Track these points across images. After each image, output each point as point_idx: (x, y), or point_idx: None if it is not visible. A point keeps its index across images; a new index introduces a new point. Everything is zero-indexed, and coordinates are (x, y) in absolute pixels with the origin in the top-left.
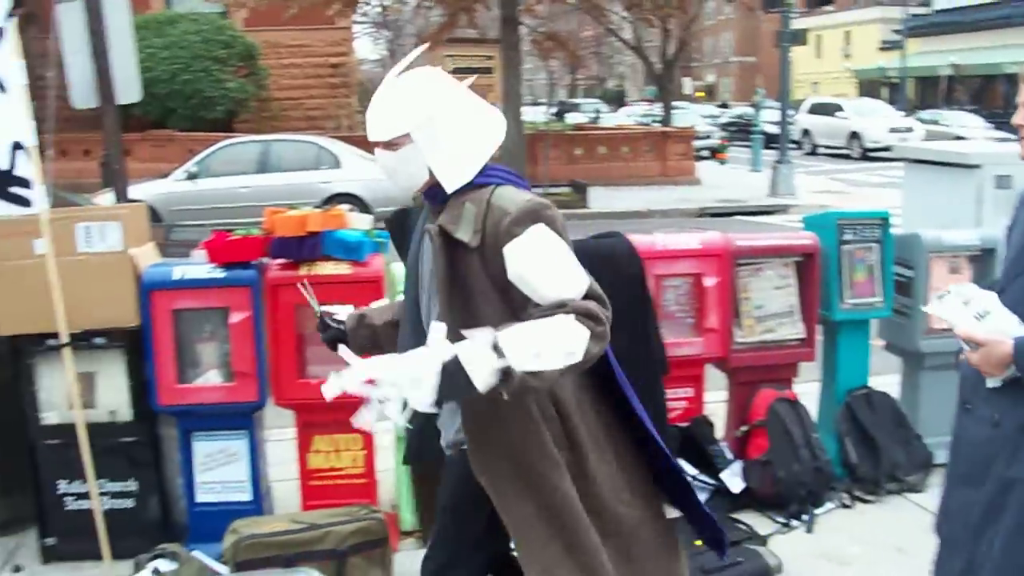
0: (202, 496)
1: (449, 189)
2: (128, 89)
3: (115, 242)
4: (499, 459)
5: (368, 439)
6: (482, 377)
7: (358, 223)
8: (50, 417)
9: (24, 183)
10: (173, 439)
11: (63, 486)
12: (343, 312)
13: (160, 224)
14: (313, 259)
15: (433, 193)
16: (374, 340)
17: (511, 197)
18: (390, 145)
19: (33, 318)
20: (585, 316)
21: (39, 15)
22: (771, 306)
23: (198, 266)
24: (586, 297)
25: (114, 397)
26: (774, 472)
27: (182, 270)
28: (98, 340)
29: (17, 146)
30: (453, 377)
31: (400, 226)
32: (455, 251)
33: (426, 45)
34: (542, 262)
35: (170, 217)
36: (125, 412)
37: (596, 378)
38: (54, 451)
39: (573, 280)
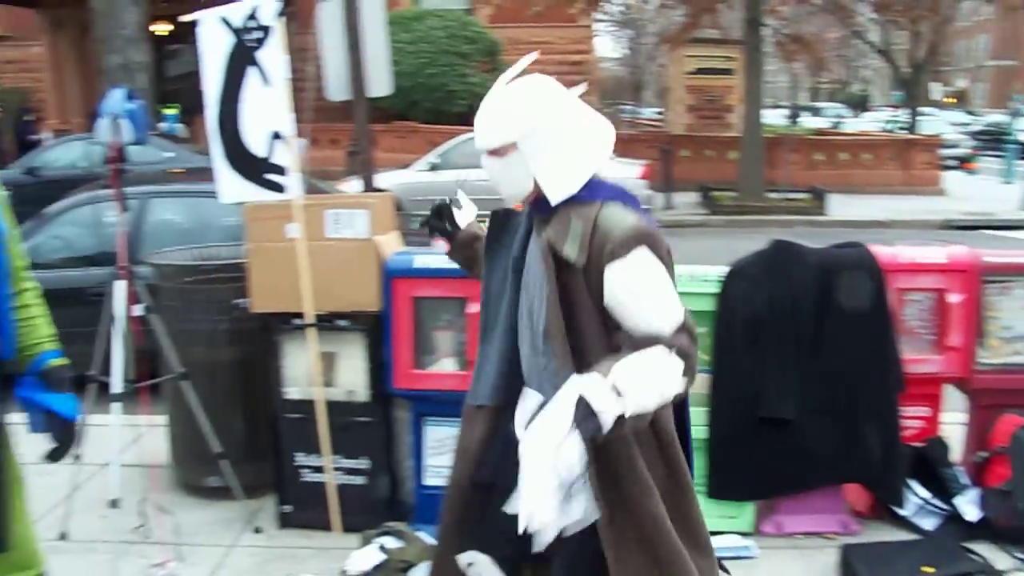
0: (430, 479)
1: (553, 201)
2: (380, 83)
3: (362, 229)
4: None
5: None
6: (608, 423)
7: None
8: (292, 392)
9: (280, 170)
10: (405, 422)
11: (300, 458)
12: (465, 217)
13: (401, 212)
14: None
15: (539, 204)
16: (469, 265)
17: (617, 218)
18: (496, 152)
19: (282, 298)
20: (680, 354)
21: (299, 12)
22: (1020, 327)
23: (439, 256)
24: (679, 330)
25: (352, 377)
26: (1015, 503)
27: (424, 259)
28: (341, 322)
29: (276, 136)
30: (585, 421)
31: (503, 225)
32: (561, 268)
33: (535, 55)
34: (640, 289)
35: (410, 207)
36: (362, 393)
37: None
38: (294, 424)
39: (669, 312)
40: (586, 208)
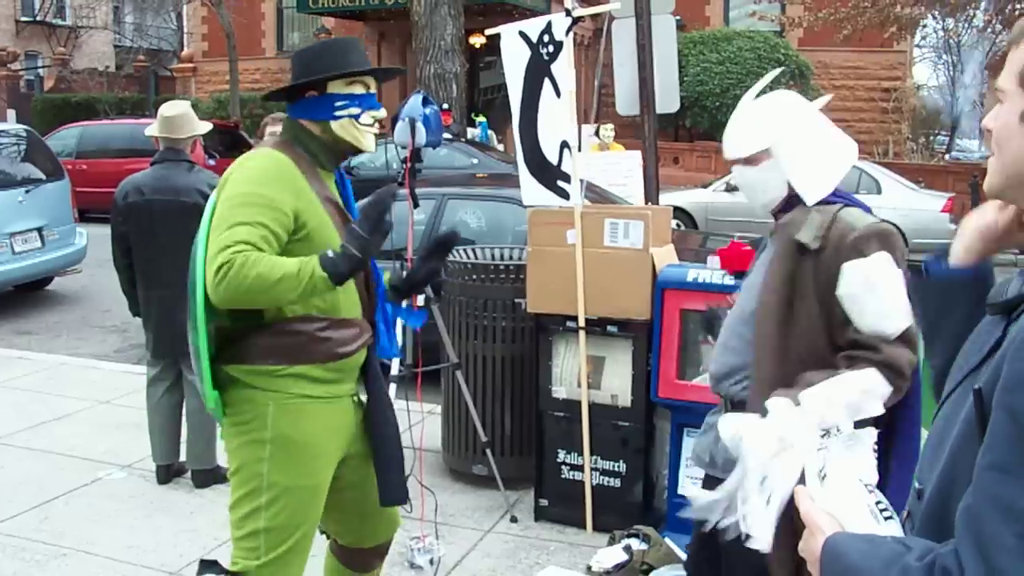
0: (684, 489)
1: (809, 201)
2: (667, 100)
3: (638, 240)
4: None
5: None
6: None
7: None
8: (559, 391)
9: (567, 178)
10: (664, 431)
11: (561, 455)
12: None
13: (697, 231)
14: None
15: (786, 207)
16: None
17: (859, 216)
18: (750, 161)
19: (557, 300)
20: (892, 370)
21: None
22: None
23: (711, 271)
24: (902, 337)
25: (617, 383)
26: None
27: (696, 273)
28: (611, 328)
29: (564, 145)
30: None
31: None
32: (790, 254)
33: (779, 69)
34: (877, 289)
35: (707, 226)
36: (625, 398)
37: None
38: (558, 422)
39: (898, 317)
40: (826, 207)
